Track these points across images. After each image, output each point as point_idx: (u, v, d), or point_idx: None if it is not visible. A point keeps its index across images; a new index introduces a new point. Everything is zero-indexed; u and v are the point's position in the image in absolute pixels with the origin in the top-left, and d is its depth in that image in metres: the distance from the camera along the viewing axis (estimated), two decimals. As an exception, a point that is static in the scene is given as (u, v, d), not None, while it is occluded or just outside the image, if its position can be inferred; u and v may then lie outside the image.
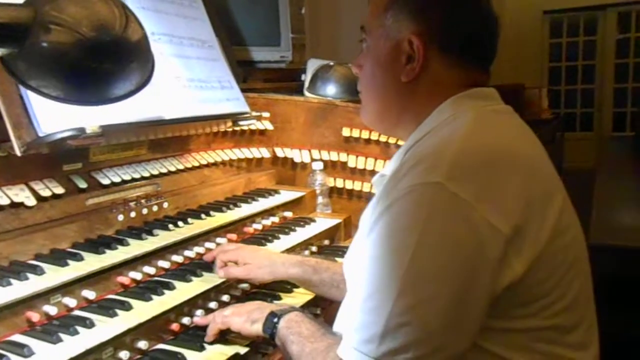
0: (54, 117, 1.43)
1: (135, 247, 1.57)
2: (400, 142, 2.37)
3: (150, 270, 1.57)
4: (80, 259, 1.45)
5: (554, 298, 1.06)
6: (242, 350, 1.40)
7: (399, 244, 1.00)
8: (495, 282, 1.00)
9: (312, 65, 2.80)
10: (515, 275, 1.01)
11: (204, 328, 1.45)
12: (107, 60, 1.13)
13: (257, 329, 1.36)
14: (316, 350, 1.18)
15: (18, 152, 1.38)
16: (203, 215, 1.87)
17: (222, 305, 1.59)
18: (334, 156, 2.51)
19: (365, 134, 2.45)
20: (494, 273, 0.99)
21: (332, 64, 2.76)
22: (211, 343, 1.41)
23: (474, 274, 0.98)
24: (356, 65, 1.35)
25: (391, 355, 0.98)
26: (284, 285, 1.73)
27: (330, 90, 2.66)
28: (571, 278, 1.09)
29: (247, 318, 1.38)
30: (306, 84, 2.76)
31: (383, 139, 2.42)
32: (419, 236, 0.98)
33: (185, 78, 1.95)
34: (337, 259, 1.99)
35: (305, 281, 1.67)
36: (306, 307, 1.69)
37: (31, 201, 1.50)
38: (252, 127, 2.43)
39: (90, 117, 1.46)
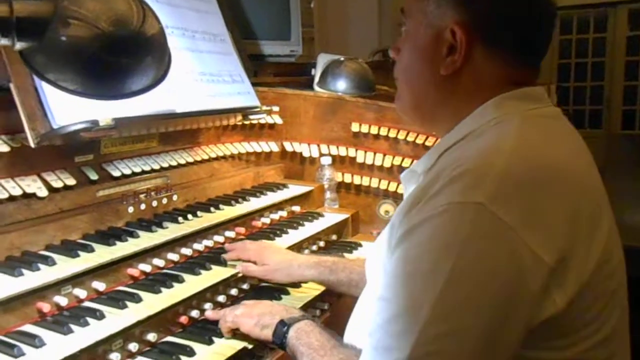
0: (68, 109, 1.44)
1: (145, 240, 1.58)
2: (409, 138, 2.38)
3: (159, 262, 1.58)
4: (91, 250, 1.46)
5: (593, 329, 0.98)
6: (250, 344, 1.41)
7: (433, 266, 0.91)
8: (533, 315, 0.92)
9: (323, 59, 2.80)
10: (557, 309, 0.92)
11: (213, 322, 1.47)
12: (124, 54, 1.13)
13: (266, 334, 1.35)
14: None
15: (32, 144, 1.39)
16: (212, 209, 1.88)
17: (231, 298, 1.61)
18: (342, 151, 2.51)
19: (374, 130, 2.45)
20: (533, 306, 0.91)
21: (342, 59, 2.75)
22: (220, 337, 1.42)
23: (511, 305, 0.90)
24: (394, 48, 1.22)
25: None
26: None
27: (341, 85, 2.66)
28: (612, 307, 1.01)
29: (257, 322, 1.37)
30: (316, 79, 2.75)
31: (392, 134, 2.42)
32: (456, 260, 0.89)
33: (197, 72, 1.95)
34: (345, 254, 2.01)
35: (322, 282, 1.68)
36: (314, 303, 1.70)
37: (43, 192, 1.51)
38: (262, 121, 2.43)
39: (103, 110, 1.47)
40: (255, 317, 1.39)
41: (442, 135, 1.16)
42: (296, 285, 1.73)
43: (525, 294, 0.90)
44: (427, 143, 2.34)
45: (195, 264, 1.62)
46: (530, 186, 0.94)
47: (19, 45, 1.02)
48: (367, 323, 1.03)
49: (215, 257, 1.69)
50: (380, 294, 1.00)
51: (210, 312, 1.49)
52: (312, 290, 1.72)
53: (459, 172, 0.96)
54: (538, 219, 0.92)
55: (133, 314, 1.34)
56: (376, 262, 1.21)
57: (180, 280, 1.52)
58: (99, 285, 1.41)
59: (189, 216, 1.78)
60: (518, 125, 1.04)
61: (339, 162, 2.52)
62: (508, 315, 0.90)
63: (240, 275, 1.66)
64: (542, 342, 0.95)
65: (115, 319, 1.31)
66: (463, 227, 0.91)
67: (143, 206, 1.75)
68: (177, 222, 1.73)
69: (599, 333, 0.99)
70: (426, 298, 0.90)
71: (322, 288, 1.72)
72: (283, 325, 1.32)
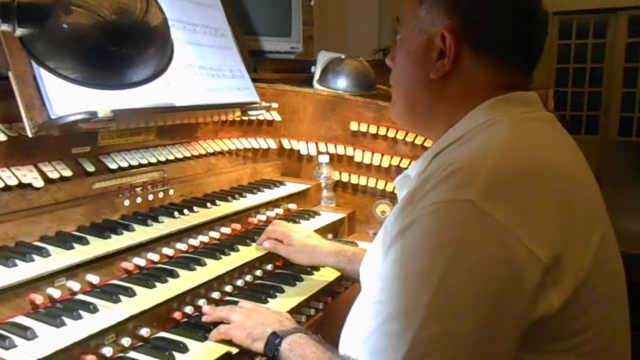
0: (67, 99, 1.42)
1: (141, 233, 1.57)
2: (408, 138, 2.37)
3: (154, 257, 1.56)
4: (86, 242, 1.44)
5: (590, 336, 0.98)
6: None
7: (426, 266, 0.91)
8: (528, 314, 0.91)
9: (323, 57, 2.79)
10: (551, 308, 0.92)
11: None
12: (126, 44, 1.11)
13: (257, 347, 1.32)
14: None
15: (29, 133, 1.37)
16: (208, 204, 1.87)
17: (225, 295, 1.60)
18: (340, 150, 2.50)
19: (373, 129, 2.44)
20: (528, 303, 0.91)
21: (343, 57, 2.74)
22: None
23: (506, 304, 0.90)
24: (390, 57, 1.27)
25: None
26: (288, 279, 1.75)
27: (342, 83, 2.65)
28: (609, 314, 1.01)
29: (248, 335, 1.34)
30: (316, 76, 2.74)
31: (391, 134, 2.41)
32: (449, 259, 0.90)
33: (197, 65, 1.94)
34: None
35: (339, 270, 1.74)
36: (308, 302, 1.69)
37: (39, 182, 1.50)
38: (260, 118, 2.42)
39: (102, 101, 1.46)
40: (248, 329, 1.36)
41: (435, 140, 1.18)
42: (292, 284, 1.73)
43: (521, 292, 0.90)
44: (425, 144, 2.34)
45: (190, 260, 1.61)
46: (520, 185, 0.94)
47: (19, 32, 1.00)
48: (362, 328, 1.03)
49: (210, 252, 1.68)
50: (375, 297, 1.00)
51: (206, 313, 1.46)
52: (307, 290, 1.72)
53: (450, 171, 0.96)
54: (530, 217, 0.92)
55: (126, 308, 1.32)
56: (371, 267, 1.21)
57: (174, 275, 1.51)
58: (93, 278, 1.39)
59: (185, 211, 1.76)
60: (509, 126, 1.05)
61: (336, 160, 2.51)
62: (502, 313, 0.90)
63: (235, 272, 1.65)
64: (540, 344, 0.95)
65: (109, 313, 1.29)
66: (455, 225, 0.91)
67: (139, 200, 1.74)
68: (173, 216, 1.71)
69: (598, 338, 0.99)
70: (420, 299, 0.90)
71: (318, 288, 1.73)
72: (275, 338, 1.30)
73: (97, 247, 1.44)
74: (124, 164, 1.76)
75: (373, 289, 1.04)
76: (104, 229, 1.52)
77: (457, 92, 1.13)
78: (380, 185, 2.44)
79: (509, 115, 1.07)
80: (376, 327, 0.96)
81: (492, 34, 1.10)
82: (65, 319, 1.23)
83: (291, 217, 2.12)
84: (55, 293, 1.31)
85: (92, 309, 1.29)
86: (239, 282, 1.66)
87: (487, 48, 1.11)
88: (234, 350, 1.36)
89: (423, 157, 1.18)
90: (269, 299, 1.61)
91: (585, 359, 0.98)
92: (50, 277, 1.32)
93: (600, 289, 0.99)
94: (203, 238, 1.74)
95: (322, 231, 2.13)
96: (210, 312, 1.45)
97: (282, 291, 1.68)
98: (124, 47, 1.11)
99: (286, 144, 2.54)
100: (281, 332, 1.31)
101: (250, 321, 1.37)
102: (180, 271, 1.53)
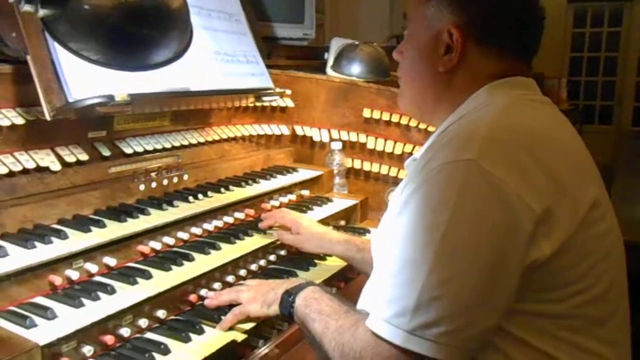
0: (84, 83, 1.44)
1: (156, 217, 1.58)
2: (421, 126, 2.37)
3: (169, 240, 1.58)
4: (103, 225, 1.46)
5: (581, 287, 1.05)
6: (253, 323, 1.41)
7: (432, 220, 1.00)
8: (524, 258, 1.00)
9: (336, 44, 2.78)
10: (542, 255, 1.00)
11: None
12: (147, 25, 1.12)
13: (274, 310, 1.36)
14: (342, 328, 1.16)
15: (48, 117, 1.39)
16: (222, 189, 1.88)
17: (239, 279, 1.61)
18: (353, 137, 2.50)
19: (385, 116, 2.44)
20: (523, 249, 0.99)
21: (357, 43, 2.73)
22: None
23: (506, 249, 0.98)
24: (398, 51, 1.35)
25: (423, 329, 0.98)
26: (302, 264, 1.77)
27: (355, 69, 2.64)
28: (601, 271, 1.08)
29: (262, 303, 1.38)
30: (330, 62, 2.74)
31: (404, 121, 2.41)
32: (452, 212, 0.98)
33: (212, 51, 1.94)
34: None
35: (348, 258, 1.75)
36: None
37: (56, 166, 1.52)
38: (273, 104, 2.42)
39: (119, 85, 1.47)
40: (260, 299, 1.39)
41: (439, 125, 1.27)
42: (306, 268, 1.75)
43: (518, 238, 0.99)
44: (439, 131, 2.33)
45: (205, 244, 1.62)
46: (515, 144, 1.04)
47: (42, 12, 1.01)
48: (378, 285, 1.10)
49: (224, 237, 1.69)
50: (388, 255, 1.08)
51: (210, 298, 1.47)
52: (320, 275, 1.73)
53: (448, 138, 1.08)
54: (523, 174, 1.01)
55: (143, 290, 1.34)
56: (382, 239, 1.25)
57: (190, 258, 1.52)
58: (110, 261, 1.42)
59: (200, 196, 1.78)
60: (505, 103, 1.15)
61: (349, 147, 2.52)
62: (504, 258, 0.99)
63: (249, 257, 1.67)
64: (531, 293, 1.03)
65: (126, 295, 1.31)
66: (457, 182, 1.00)
67: (154, 184, 1.75)
68: (187, 201, 1.73)
69: (588, 292, 1.06)
70: (429, 248, 0.99)
71: (331, 273, 1.74)
72: (289, 295, 1.33)
73: (114, 230, 1.46)
74: (139, 149, 1.77)
75: (387, 254, 1.09)
76: (120, 213, 1.54)
77: (463, 82, 1.22)
78: (393, 172, 2.45)
79: (507, 96, 1.17)
80: (390, 279, 1.04)
81: (495, 29, 1.20)
82: (84, 300, 1.26)
83: (304, 204, 2.13)
84: (74, 275, 1.34)
85: (110, 290, 1.31)
86: (253, 267, 1.68)
87: (490, 42, 1.20)
88: (249, 326, 1.39)
89: (429, 140, 1.24)
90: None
91: (576, 311, 1.06)
92: (68, 259, 1.34)
93: (591, 245, 1.07)
94: (217, 223, 1.75)
95: (335, 217, 2.14)
96: (214, 297, 1.47)
97: (295, 276, 1.69)
98: (145, 28, 1.13)
99: (299, 131, 2.54)
100: (293, 289, 1.34)
101: (259, 292, 1.41)
102: (195, 255, 1.55)
